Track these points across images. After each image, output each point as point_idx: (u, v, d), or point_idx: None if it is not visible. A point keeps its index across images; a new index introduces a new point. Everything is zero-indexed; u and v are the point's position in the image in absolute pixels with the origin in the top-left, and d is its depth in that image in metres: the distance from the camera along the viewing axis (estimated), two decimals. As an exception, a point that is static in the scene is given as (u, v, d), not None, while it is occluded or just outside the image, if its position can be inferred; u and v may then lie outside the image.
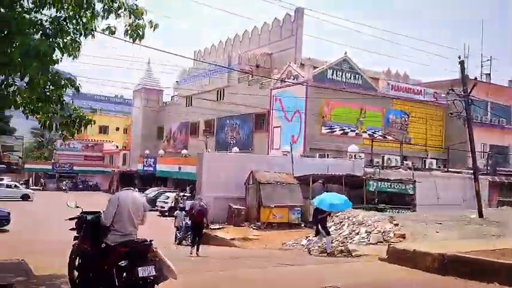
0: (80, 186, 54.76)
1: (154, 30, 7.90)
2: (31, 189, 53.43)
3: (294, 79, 31.43)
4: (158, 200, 32.24)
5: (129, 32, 7.77)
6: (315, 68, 31.64)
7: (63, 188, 50.02)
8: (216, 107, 39.72)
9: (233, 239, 16.51)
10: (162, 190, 37.00)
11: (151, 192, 37.20)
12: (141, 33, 7.85)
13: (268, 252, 13.32)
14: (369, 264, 8.95)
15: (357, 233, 12.09)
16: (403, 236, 10.76)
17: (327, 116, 31.40)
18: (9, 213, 22.69)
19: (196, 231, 13.99)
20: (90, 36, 7.94)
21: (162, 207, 31.57)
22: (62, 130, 8.42)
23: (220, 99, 39.84)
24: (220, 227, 18.60)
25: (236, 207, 19.37)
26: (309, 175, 20.15)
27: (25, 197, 38.09)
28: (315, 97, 30.51)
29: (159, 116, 50.43)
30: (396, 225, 11.63)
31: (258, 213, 18.75)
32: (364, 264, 9.25)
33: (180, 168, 39.67)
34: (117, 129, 67.59)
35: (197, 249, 14.20)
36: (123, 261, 5.11)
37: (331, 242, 11.59)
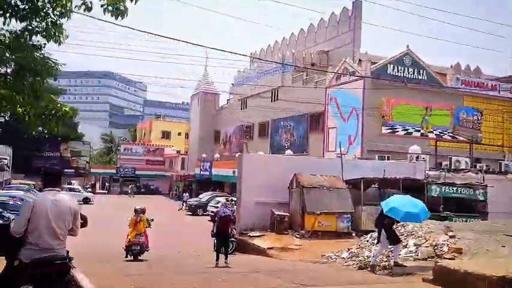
0: (142, 190, 55.88)
1: (135, 3, 6.80)
2: (97, 192, 55.66)
3: (350, 76, 29.44)
4: (209, 204, 31.53)
5: (108, 7, 6.74)
6: (373, 63, 29.41)
7: (128, 191, 51.19)
8: (270, 109, 38.50)
9: (271, 248, 15.06)
10: (214, 194, 36.36)
11: (205, 196, 36.73)
12: (122, 8, 6.79)
13: (302, 265, 11.75)
14: (408, 286, 7.15)
15: (405, 246, 10.20)
16: (459, 251, 8.76)
17: (388, 114, 29.04)
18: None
19: (220, 241, 12.72)
20: (66, 18, 7.06)
21: (212, 212, 30.76)
22: (40, 123, 7.60)
23: (274, 100, 38.58)
24: (260, 234, 17.21)
25: (278, 213, 17.86)
26: (360, 178, 18.19)
27: (86, 200, 39.21)
28: (374, 94, 28.33)
29: (216, 120, 50.15)
30: (452, 237, 9.59)
31: (302, 221, 17.12)
32: (404, 285, 7.46)
33: (234, 172, 38.71)
34: (179, 134, 68.65)
35: (226, 257, 12.94)
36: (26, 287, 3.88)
37: (399, 253, 9.43)
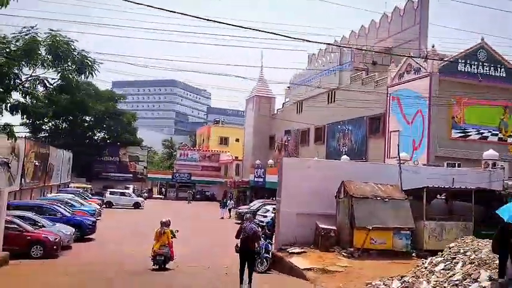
0: (198, 196, 55.13)
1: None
2: (154, 197, 55.71)
3: (415, 73, 26.35)
4: (258, 212, 29.54)
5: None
6: (441, 59, 26.08)
7: (187, 197, 50.61)
8: (327, 112, 35.98)
9: (309, 269, 12.73)
10: (265, 202, 34.31)
11: (256, 203, 34.80)
12: None
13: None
14: None
15: (475, 279, 7.54)
16: None
17: (459, 116, 25.57)
18: (94, 222, 22.04)
19: (244, 260, 10.70)
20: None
21: (260, 221, 28.76)
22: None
23: (330, 101, 35.97)
24: (301, 251, 14.91)
25: (324, 226, 15.47)
26: (422, 188, 15.34)
27: (137, 205, 38.78)
28: (443, 94, 25.04)
29: (271, 124, 48.23)
30: None
31: (351, 236, 14.60)
32: None
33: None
34: (237, 140, 67.46)
35: (249, 282, 10.87)
36: None
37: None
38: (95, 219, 22.59)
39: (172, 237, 13.79)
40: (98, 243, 19.81)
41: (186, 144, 74.74)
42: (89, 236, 21.00)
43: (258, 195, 45.85)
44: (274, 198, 41.18)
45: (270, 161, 43.48)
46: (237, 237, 11.28)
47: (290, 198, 16.32)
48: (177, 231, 14.37)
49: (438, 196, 16.37)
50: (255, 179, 44.79)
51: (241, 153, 59.97)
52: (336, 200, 15.89)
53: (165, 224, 13.70)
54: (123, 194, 39.72)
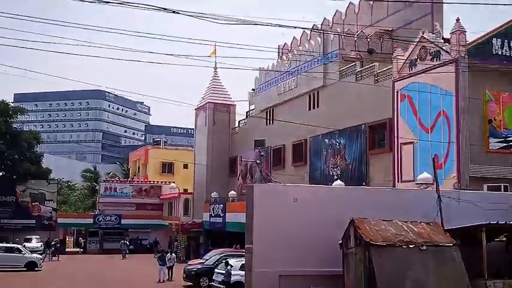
0: (131, 247, 50.78)
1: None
2: (68, 252, 50.94)
3: (432, 59, 23.87)
4: (216, 270, 25.74)
5: None
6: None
7: (120, 249, 46.22)
8: (309, 121, 33.09)
9: None
10: (226, 252, 30.72)
11: (213, 255, 31.18)
12: None
13: None
14: None
15: None
16: None
17: (497, 119, 23.15)
18: None
19: None
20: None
21: (218, 282, 25.11)
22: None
23: (313, 106, 33.16)
24: None
25: (324, 295, 12.27)
26: (479, 226, 12.32)
27: (30, 266, 34.23)
28: (473, 87, 22.64)
29: (231, 143, 44.99)
30: None
31: (371, 311, 11.42)
32: None
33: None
34: (186, 166, 63.84)
35: None
36: None
37: None
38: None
39: None
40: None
41: (115, 175, 70.33)
42: None
43: (216, 242, 42.28)
44: (237, 246, 37.84)
45: (232, 193, 40.13)
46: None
47: (268, 249, 13.08)
48: None
49: (499, 237, 13.44)
50: (211, 220, 41.39)
51: (191, 183, 56.32)
52: (342, 251, 12.69)
53: None
54: (9, 250, 35.27)
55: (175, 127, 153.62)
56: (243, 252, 32.65)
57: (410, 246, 11.77)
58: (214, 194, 42.38)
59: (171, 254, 31.06)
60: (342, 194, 14.61)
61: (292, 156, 34.96)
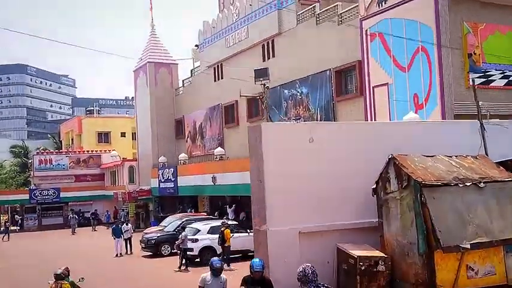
0: (72, 220, 46.83)
1: None
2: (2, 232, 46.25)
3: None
4: (182, 237, 22.70)
5: None
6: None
7: (71, 224, 42.04)
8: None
9: None
10: (186, 218, 27.88)
11: (172, 222, 28.24)
12: None
13: None
14: None
15: None
16: None
17: (477, 53, 21.23)
18: None
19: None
20: None
21: (190, 250, 22.24)
22: None
23: (268, 57, 30.33)
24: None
25: (359, 253, 9.72)
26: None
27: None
28: (450, 19, 20.56)
29: (176, 104, 41.55)
30: None
31: (427, 268, 9.01)
32: None
33: (214, 178, 30.64)
34: (123, 134, 59.89)
35: None
36: None
37: None
38: None
39: None
40: None
41: (45, 149, 65.05)
42: None
43: (167, 208, 39.40)
44: (192, 210, 35.02)
45: (183, 155, 37.03)
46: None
47: (283, 203, 10.35)
48: (82, 279, 12.67)
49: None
50: (161, 185, 38.35)
51: (130, 152, 52.54)
52: (377, 198, 10.14)
53: (60, 277, 11.66)
54: None
55: (103, 99, 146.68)
56: (203, 215, 30.14)
57: (467, 184, 9.36)
58: (162, 159, 39.21)
59: (126, 225, 27.75)
60: (367, 130, 11.94)
61: (247, 112, 32.12)
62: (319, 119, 26.19)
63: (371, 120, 23.13)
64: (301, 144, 10.65)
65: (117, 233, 26.38)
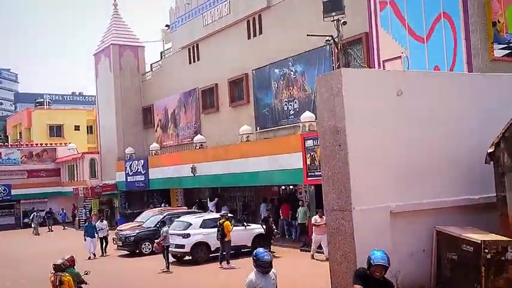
0: (26, 220, 43.02)
1: None
2: None
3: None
4: (164, 233, 19.68)
5: None
6: None
7: (32, 224, 38.00)
8: (249, 52, 27.86)
9: None
10: (170, 212, 25.07)
11: (151, 217, 25.35)
12: None
13: None
14: None
15: None
16: None
17: (501, 20, 19.44)
18: None
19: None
20: None
21: (179, 247, 19.55)
22: None
23: (254, 34, 27.81)
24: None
25: (481, 237, 7.50)
26: None
27: None
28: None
29: (143, 90, 38.43)
30: None
31: None
32: None
33: (194, 169, 27.94)
34: (77, 128, 56.09)
35: None
36: None
37: None
38: None
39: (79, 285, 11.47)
40: None
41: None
42: None
43: (135, 204, 36.42)
44: (166, 205, 32.14)
45: (154, 146, 34.00)
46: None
47: (371, 175, 7.99)
48: (88, 273, 12.04)
49: None
50: (129, 179, 35.28)
51: (85, 147, 48.94)
52: (496, 166, 7.91)
53: (60, 268, 10.82)
54: None
55: (50, 94, 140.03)
56: (184, 209, 27.35)
57: None
58: (129, 150, 36.13)
59: (101, 222, 24.58)
60: (479, 81, 9.58)
61: (229, 96, 29.47)
62: (316, 99, 23.88)
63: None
64: (388, 98, 8.32)
65: (90, 232, 23.17)
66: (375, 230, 7.83)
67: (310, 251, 19.22)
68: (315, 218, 17.89)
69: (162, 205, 32.13)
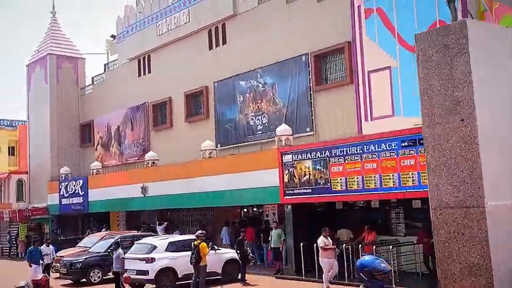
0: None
1: None
2: None
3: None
4: (115, 255, 16.88)
5: None
6: None
7: None
8: (210, 64, 25.75)
9: None
10: (122, 235, 22.02)
11: (92, 241, 22.24)
12: None
13: None
14: None
15: None
16: None
17: (494, 33, 18.55)
18: None
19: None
20: None
21: (141, 273, 16.71)
22: None
23: (216, 45, 25.71)
24: None
25: None
26: None
27: None
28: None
29: (82, 105, 35.10)
30: None
31: None
32: None
33: (145, 189, 25.11)
34: (-1, 148, 51.04)
35: None
36: None
37: None
38: None
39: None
40: None
41: None
42: None
43: (69, 229, 32.83)
44: (106, 229, 28.84)
45: (96, 164, 30.66)
46: None
47: (504, 163, 5.98)
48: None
49: None
50: (63, 201, 31.72)
51: (5, 169, 44.21)
52: None
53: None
54: None
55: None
56: (134, 233, 24.29)
57: None
58: (64, 169, 32.57)
59: (47, 246, 20.90)
60: None
61: (185, 110, 26.99)
62: (289, 113, 21.98)
63: (365, 111, 19.48)
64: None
65: (35, 258, 19.44)
66: (508, 229, 5.83)
67: (286, 278, 17.15)
68: (323, 240, 15.19)
69: (103, 230, 28.77)
